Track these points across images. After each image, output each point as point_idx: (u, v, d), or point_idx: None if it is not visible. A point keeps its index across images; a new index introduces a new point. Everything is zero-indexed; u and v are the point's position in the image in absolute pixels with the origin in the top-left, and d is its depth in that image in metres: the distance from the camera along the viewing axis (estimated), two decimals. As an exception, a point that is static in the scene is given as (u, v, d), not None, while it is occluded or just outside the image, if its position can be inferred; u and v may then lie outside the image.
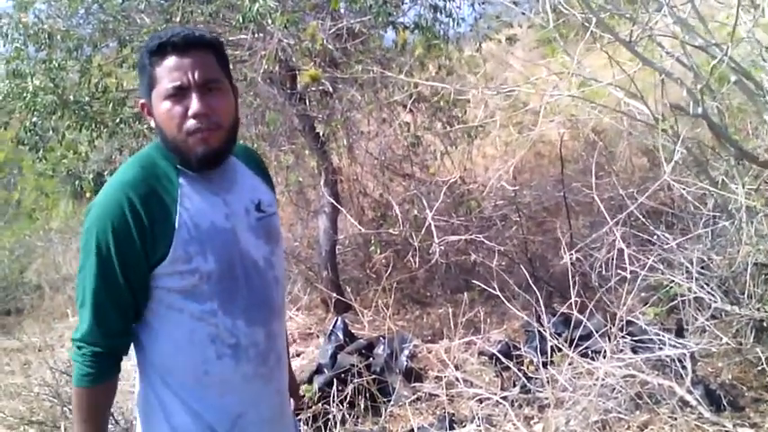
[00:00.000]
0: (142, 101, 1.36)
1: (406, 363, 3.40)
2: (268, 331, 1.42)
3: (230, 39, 4.46)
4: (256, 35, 4.10)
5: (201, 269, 1.31)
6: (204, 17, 4.40)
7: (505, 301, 3.05)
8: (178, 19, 4.25)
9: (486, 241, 3.51)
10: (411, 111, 4.51)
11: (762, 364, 2.85)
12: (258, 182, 1.48)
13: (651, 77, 3.46)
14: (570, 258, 2.95)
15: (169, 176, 1.33)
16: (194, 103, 1.28)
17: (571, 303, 3.16)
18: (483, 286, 3.20)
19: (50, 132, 4.58)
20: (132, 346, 1.40)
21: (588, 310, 2.96)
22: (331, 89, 4.27)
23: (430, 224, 3.61)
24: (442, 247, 3.54)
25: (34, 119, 4.46)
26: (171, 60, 1.30)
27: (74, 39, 4.30)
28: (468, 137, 4.49)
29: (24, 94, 4.32)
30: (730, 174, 3.22)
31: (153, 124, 1.36)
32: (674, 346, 2.77)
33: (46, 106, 4.32)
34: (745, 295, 3.11)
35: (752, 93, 2.99)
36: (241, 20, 4.01)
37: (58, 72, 4.28)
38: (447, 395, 3.08)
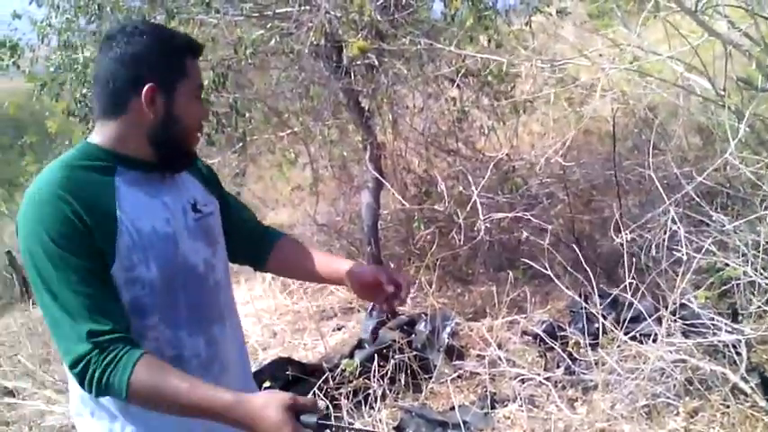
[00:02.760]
0: (151, 85, 1.25)
1: (447, 340, 3.37)
2: (208, 338, 1.35)
3: (277, 11, 4.44)
4: (303, 7, 4.06)
5: (144, 278, 1.24)
6: (253, -12, 4.38)
7: (555, 279, 2.97)
8: (227, -11, 4.24)
9: (532, 219, 3.43)
10: (458, 85, 4.42)
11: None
12: (191, 179, 1.42)
13: (710, 52, 3.30)
14: (624, 238, 2.85)
15: (102, 179, 1.24)
16: (203, 108, 1.35)
17: (621, 285, 3.08)
18: (531, 263, 3.13)
19: (100, 104, 4.65)
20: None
21: (640, 293, 2.86)
22: (377, 63, 4.20)
23: (475, 201, 3.55)
24: (487, 225, 3.47)
25: (84, 90, 4.53)
26: (195, 60, 1.32)
27: (123, 10, 4.33)
28: (516, 112, 4.38)
29: (75, 66, 4.38)
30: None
31: (141, 115, 1.26)
32: (729, 332, 2.66)
33: (96, 78, 4.38)
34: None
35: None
36: (288, -9, 3.97)
37: (108, 44, 4.33)
38: (489, 374, 3.04)
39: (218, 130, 4.38)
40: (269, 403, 1.11)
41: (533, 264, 3.16)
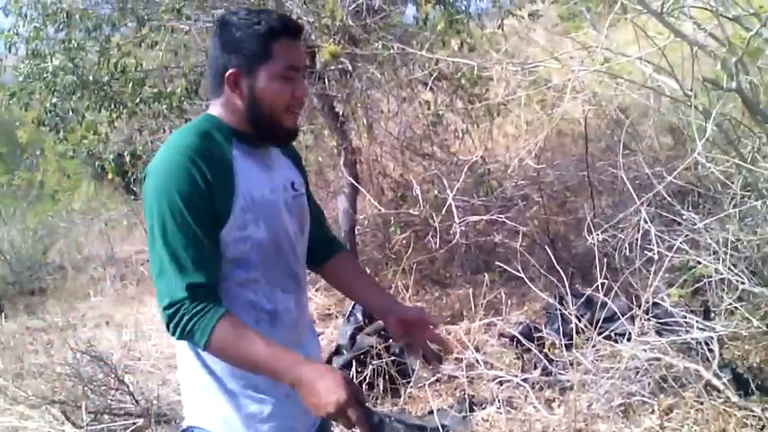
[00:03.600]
0: (233, 71, 1.37)
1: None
2: (297, 300, 1.48)
3: (249, 17, 4.41)
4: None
5: (254, 237, 1.37)
6: (223, -6, 4.36)
7: (528, 282, 2.99)
8: (196, -5, 4.21)
9: (507, 221, 3.44)
10: (432, 89, 4.43)
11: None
12: (289, 163, 1.55)
13: (679, 53, 3.34)
14: (595, 239, 2.88)
15: (224, 148, 1.38)
16: (302, 87, 1.40)
17: (594, 285, 3.11)
18: (505, 267, 3.14)
19: (70, 113, 4.59)
20: None
21: (613, 292, 2.88)
22: (350, 67, 4.20)
23: (450, 204, 3.56)
24: (463, 228, 3.48)
25: (54, 99, 4.47)
26: (286, 42, 1.37)
27: (92, 18, 4.28)
28: (490, 115, 4.40)
29: (44, 75, 4.32)
30: (762, 151, 3.11)
31: (232, 96, 1.38)
32: (702, 329, 2.70)
33: (66, 87, 4.32)
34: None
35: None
36: (259, -4, 3.95)
37: (78, 52, 4.28)
38: (467, 377, 3.04)
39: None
40: (332, 370, 1.24)
41: (508, 266, 3.17)
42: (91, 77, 4.27)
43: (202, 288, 1.28)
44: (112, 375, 3.34)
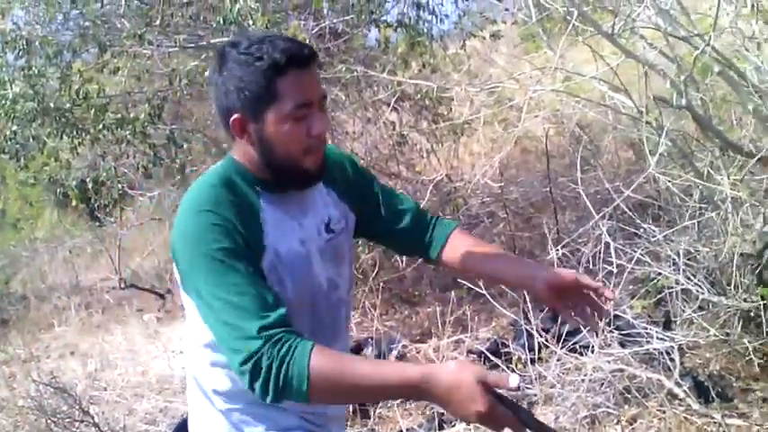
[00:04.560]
0: (237, 116, 1.21)
1: (394, 363, 3.37)
2: None
3: (212, 41, 4.43)
4: (237, 38, 4.07)
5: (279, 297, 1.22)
6: (185, 20, 4.37)
7: (490, 298, 3.03)
8: (158, 22, 4.22)
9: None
10: (396, 109, 4.49)
11: (749, 354, 2.84)
12: (326, 194, 1.38)
13: (635, 71, 3.45)
14: (556, 254, 2.93)
15: (250, 199, 1.25)
16: (318, 124, 1.22)
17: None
18: (468, 285, 3.18)
19: (31, 140, 4.53)
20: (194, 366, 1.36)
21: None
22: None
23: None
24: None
25: (14, 127, 4.41)
26: (294, 75, 1.19)
27: (53, 45, 4.25)
28: (454, 134, 4.47)
29: (3, 102, 4.27)
30: (715, 165, 3.21)
31: (243, 143, 1.24)
32: (662, 339, 2.76)
33: (26, 113, 4.27)
34: (732, 286, 3.11)
35: (736, 83, 2.99)
36: (222, 21, 3.97)
37: (38, 79, 4.24)
38: (436, 395, 3.05)
39: (155, 163, 4.32)
40: (462, 373, 1.03)
41: (472, 285, 3.21)
42: (52, 104, 4.23)
43: (276, 326, 1.11)
44: (77, 407, 3.28)
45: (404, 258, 3.65)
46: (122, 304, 5.38)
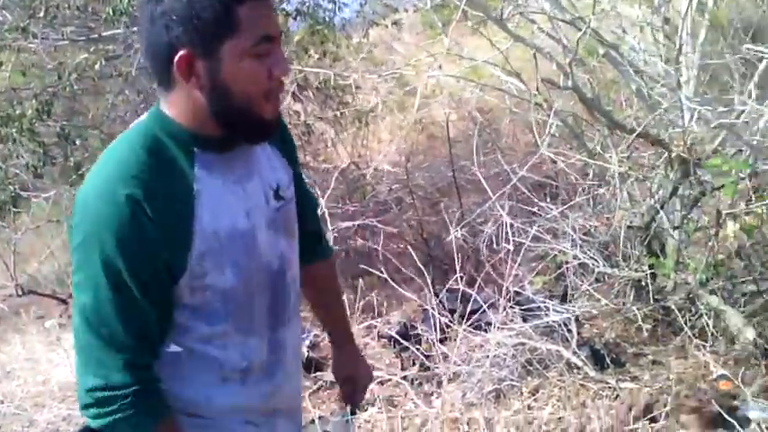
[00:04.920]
0: (184, 52, 0.96)
1: (306, 353, 3.36)
2: (274, 342, 1.17)
3: (103, 34, 4.25)
4: (130, 28, 3.92)
5: (216, 285, 1.05)
6: (71, 11, 4.17)
7: (394, 284, 3.08)
8: (42, 14, 4.00)
9: (377, 225, 3.52)
10: (299, 99, 4.45)
11: (640, 320, 3.02)
12: (275, 156, 1.18)
13: (528, 55, 3.57)
14: (456, 235, 3.01)
15: (181, 166, 1.02)
16: (282, 63, 1.01)
17: (460, 279, 3.25)
18: (374, 271, 3.22)
19: None
20: None
21: (477, 284, 3.02)
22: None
23: (324, 212, 3.59)
24: (336, 235, 3.52)
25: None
26: (253, 5, 0.98)
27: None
28: (359, 122, 4.49)
29: None
30: (605, 144, 3.37)
31: (187, 88, 1.00)
32: (559, 312, 2.88)
33: None
34: (624, 257, 3.29)
35: (618, 64, 3.14)
36: (111, 12, 3.82)
37: None
38: (348, 381, 3.07)
39: (45, 162, 4.10)
40: None
41: (379, 271, 3.24)
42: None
43: (146, 371, 1.03)
44: (-31, 423, 3.09)
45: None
46: (20, 312, 5.08)
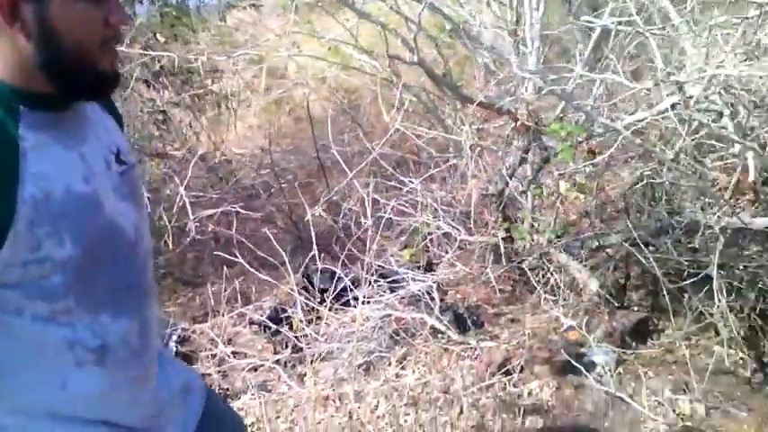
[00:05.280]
0: None
1: (175, 348, 3.26)
2: (140, 321, 1.06)
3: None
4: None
5: (54, 257, 0.92)
6: None
7: (252, 270, 3.06)
8: None
9: (240, 210, 3.46)
10: (154, 86, 4.27)
11: (499, 282, 3.18)
12: (110, 122, 1.09)
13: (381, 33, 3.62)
14: (314, 214, 3.03)
15: (4, 126, 0.89)
16: (120, 9, 0.93)
17: (329, 258, 3.28)
18: (239, 260, 3.18)
19: None
20: None
21: (341, 261, 3.06)
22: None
23: (184, 202, 3.48)
24: (197, 224, 3.43)
25: None
26: None
27: None
28: (218, 107, 4.38)
29: None
30: (457, 117, 3.50)
31: (11, 34, 0.89)
32: (419, 280, 2.97)
33: None
34: (483, 224, 3.44)
35: (464, 38, 3.25)
36: None
37: None
38: (219, 371, 3.02)
39: None
40: None
41: (247, 258, 3.20)
42: None
43: None
44: None
45: (172, 240, 3.52)
46: None
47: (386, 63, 3.19)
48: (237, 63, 4.34)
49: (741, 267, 2.61)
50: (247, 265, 3.07)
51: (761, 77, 2.27)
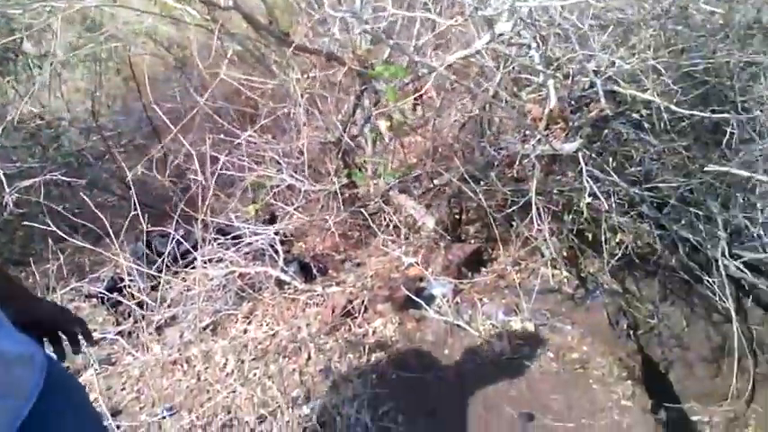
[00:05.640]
0: None
1: None
2: None
3: None
4: None
5: None
6: None
7: (84, 244, 2.88)
8: None
9: (63, 179, 3.22)
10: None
11: (342, 228, 3.22)
12: None
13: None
14: (137, 173, 2.89)
15: None
16: None
17: (169, 221, 3.15)
18: (70, 234, 2.97)
19: None
20: None
21: (175, 222, 2.95)
22: None
23: (-1, 175, 3.18)
24: (17, 195, 3.14)
25: None
26: None
27: None
28: (29, 69, 3.99)
29: None
30: (287, 64, 3.42)
31: None
32: (259, 234, 2.94)
33: None
34: (326, 173, 3.44)
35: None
36: None
37: None
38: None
39: None
40: None
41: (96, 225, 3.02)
42: None
43: None
44: None
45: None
46: None
47: (205, 10, 3.04)
48: (52, 21, 3.96)
49: (557, 192, 2.81)
50: (75, 239, 2.87)
51: (560, 9, 2.39)
